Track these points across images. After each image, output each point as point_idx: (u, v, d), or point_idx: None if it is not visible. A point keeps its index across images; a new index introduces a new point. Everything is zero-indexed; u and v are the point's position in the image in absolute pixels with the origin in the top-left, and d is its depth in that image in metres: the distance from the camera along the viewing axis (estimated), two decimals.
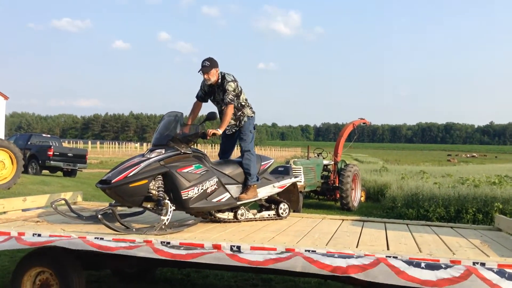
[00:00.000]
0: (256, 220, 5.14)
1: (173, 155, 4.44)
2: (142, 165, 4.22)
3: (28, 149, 19.36)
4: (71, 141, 60.47)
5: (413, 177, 14.54)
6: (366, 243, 3.97)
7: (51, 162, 19.05)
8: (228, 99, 5.06)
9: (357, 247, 3.73)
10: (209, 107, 5.37)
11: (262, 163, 5.20)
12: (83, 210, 5.23)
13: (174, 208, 4.31)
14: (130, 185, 4.14)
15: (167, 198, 4.30)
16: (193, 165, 4.48)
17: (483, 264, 3.09)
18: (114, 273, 5.53)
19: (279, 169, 5.68)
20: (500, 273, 3.02)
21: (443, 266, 3.12)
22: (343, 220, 5.53)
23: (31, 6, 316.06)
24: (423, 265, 3.15)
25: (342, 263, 3.24)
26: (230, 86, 5.12)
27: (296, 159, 12.27)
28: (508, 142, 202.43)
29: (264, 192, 5.13)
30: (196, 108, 5.40)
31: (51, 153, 19.02)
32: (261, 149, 65.81)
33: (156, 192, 4.29)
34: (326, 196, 13.00)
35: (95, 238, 3.77)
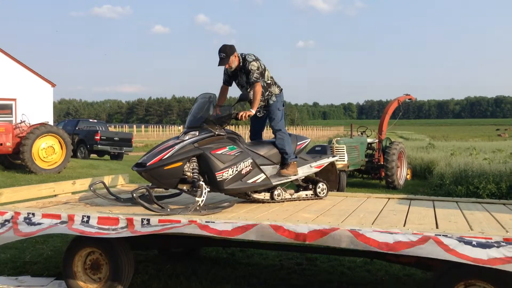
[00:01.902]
0: (293, 200, 5.09)
1: (207, 137, 4.43)
2: (177, 147, 4.24)
3: (76, 134, 20.02)
4: (117, 126, 62.05)
5: (462, 153, 14.07)
6: (414, 221, 3.85)
7: (99, 146, 19.64)
8: (253, 78, 4.96)
9: (404, 225, 3.63)
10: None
11: (298, 143, 5.12)
12: (121, 193, 5.34)
13: (209, 189, 4.32)
14: (165, 168, 4.17)
15: (202, 179, 4.31)
16: (227, 147, 4.46)
17: None
18: (161, 253, 5.65)
19: (316, 148, 5.59)
20: None
21: (496, 244, 2.98)
22: (389, 198, 5.40)
23: None
24: (474, 243, 3.03)
25: (389, 239, 3.17)
26: (253, 66, 5.01)
27: (338, 138, 12.10)
28: None
29: (301, 172, 5.06)
30: (223, 92, 5.33)
31: (98, 137, 19.59)
32: (302, 129, 65.38)
33: (191, 174, 4.31)
34: (371, 175, 12.80)
35: (141, 222, 3.83)
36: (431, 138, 36.94)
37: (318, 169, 5.27)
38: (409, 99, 13.89)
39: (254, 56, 5.11)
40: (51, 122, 21.46)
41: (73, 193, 5.43)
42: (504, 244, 2.99)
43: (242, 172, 4.51)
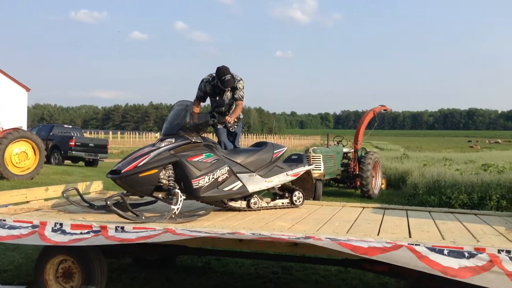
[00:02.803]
0: (270, 209, 5.10)
1: (183, 144, 4.41)
2: (152, 154, 4.22)
3: (50, 139, 19.69)
4: (93, 132, 61.29)
5: (435, 164, 14.33)
6: (387, 230, 3.91)
7: (73, 152, 19.35)
8: (240, 95, 5.48)
9: (378, 234, 3.68)
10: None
11: (275, 151, 5.14)
12: (95, 200, 5.27)
13: (185, 197, 4.30)
14: (140, 175, 4.14)
15: (178, 187, 4.29)
16: (204, 154, 4.45)
17: (508, 252, 3.01)
18: (135, 261, 5.58)
19: (293, 157, 5.63)
20: None
21: (467, 254, 3.05)
22: (363, 207, 5.47)
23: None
24: (446, 252, 3.09)
25: (363, 244, 3.21)
26: (241, 84, 5.50)
27: (315, 147, 12.20)
28: None
29: (277, 180, 5.08)
30: (196, 106, 5.57)
31: (72, 143, 19.31)
32: (280, 138, 65.66)
33: (167, 182, 4.28)
34: (346, 184, 12.92)
35: (115, 229, 3.78)
36: (406, 148, 37.44)
37: (294, 177, 5.29)
38: (384, 110, 14.12)
39: (239, 77, 5.56)
40: (25, 127, 21.05)
41: (45, 199, 5.33)
42: (475, 253, 3.05)
43: (219, 180, 4.51)
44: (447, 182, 10.58)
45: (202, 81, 5.67)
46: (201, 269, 5.55)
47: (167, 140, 4.43)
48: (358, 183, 12.35)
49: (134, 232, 3.71)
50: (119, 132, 63.54)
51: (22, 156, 12.86)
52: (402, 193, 12.65)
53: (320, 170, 11.11)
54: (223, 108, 5.58)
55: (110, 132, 61.87)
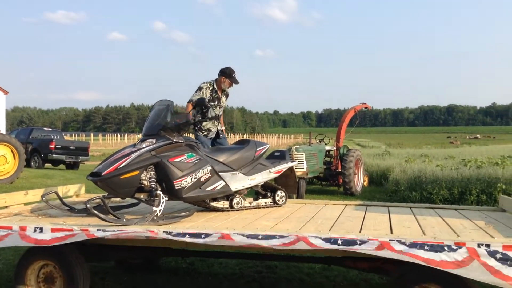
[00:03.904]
0: (253, 208, 5.10)
1: (164, 145, 4.36)
2: (133, 156, 4.16)
3: (30, 143, 19.41)
4: (73, 134, 60.48)
5: (416, 160, 14.51)
6: (369, 227, 3.94)
7: (53, 155, 19.11)
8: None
9: (360, 231, 3.71)
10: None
11: (258, 149, 5.12)
12: (76, 204, 5.21)
13: (167, 198, 4.27)
14: (121, 177, 4.08)
15: (159, 188, 4.25)
16: (186, 154, 4.41)
17: (488, 246, 3.06)
18: (118, 264, 5.54)
19: (275, 153, 5.59)
20: (503, 259, 3.00)
21: (447, 249, 3.09)
22: (346, 205, 5.50)
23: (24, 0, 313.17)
24: (426, 247, 3.13)
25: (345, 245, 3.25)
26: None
27: (298, 146, 12.24)
28: (511, 122, 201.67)
29: (260, 178, 5.08)
30: (190, 109, 5.88)
31: (53, 146, 19.06)
32: (263, 137, 65.74)
33: (148, 183, 4.23)
34: (329, 182, 13.00)
35: (97, 230, 3.75)
36: (387, 145, 37.82)
37: (277, 175, 5.29)
38: (365, 107, 14.23)
39: None
40: (3, 131, 20.71)
41: (25, 204, 5.25)
42: (455, 248, 3.10)
43: (201, 180, 4.48)
44: (428, 178, 10.73)
45: (200, 88, 6.24)
46: (185, 270, 5.53)
47: (148, 140, 4.38)
48: (341, 181, 12.44)
49: (117, 231, 3.68)
50: (100, 134, 62.88)
51: (1, 160, 12.66)
52: (384, 190, 12.79)
53: (303, 168, 11.16)
54: (218, 112, 6.36)
55: (91, 134, 61.21)
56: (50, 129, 23.17)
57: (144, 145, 4.32)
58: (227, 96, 6.50)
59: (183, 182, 4.30)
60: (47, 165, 19.96)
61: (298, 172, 10.78)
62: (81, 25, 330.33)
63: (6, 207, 5.03)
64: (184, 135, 4.75)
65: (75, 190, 6.05)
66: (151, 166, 4.26)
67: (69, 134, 52.45)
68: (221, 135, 6.58)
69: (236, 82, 6.28)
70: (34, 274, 4.07)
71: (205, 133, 6.38)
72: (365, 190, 13.26)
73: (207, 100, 4.65)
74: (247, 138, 6.01)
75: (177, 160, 4.33)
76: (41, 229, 3.83)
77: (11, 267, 5.16)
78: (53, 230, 3.83)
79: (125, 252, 4.62)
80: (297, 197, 10.55)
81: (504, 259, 3.01)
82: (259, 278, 5.24)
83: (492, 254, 3.03)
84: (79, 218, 4.41)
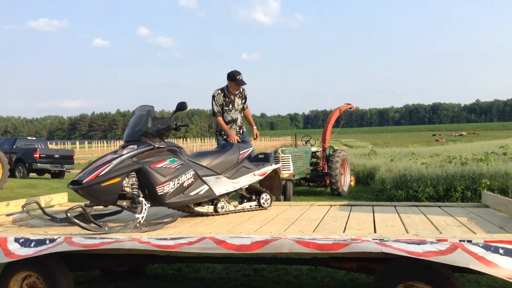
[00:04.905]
0: (238, 212, 5.09)
1: (146, 151, 4.33)
2: (114, 162, 4.13)
3: (14, 153, 19.16)
4: (59, 143, 59.94)
5: (402, 159, 14.60)
6: (353, 227, 3.95)
7: (38, 164, 18.87)
8: (247, 103, 6.64)
9: (344, 231, 3.71)
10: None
11: (241, 152, 5.12)
12: (59, 213, 5.14)
13: (150, 205, 4.23)
14: (102, 184, 4.04)
15: (141, 195, 4.22)
16: (168, 160, 4.39)
17: (469, 241, 3.08)
18: (104, 273, 5.48)
19: (259, 156, 5.60)
20: (486, 247, 3.01)
21: (429, 244, 3.11)
22: (331, 206, 5.51)
23: (5, 8, 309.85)
24: (409, 244, 3.14)
25: (328, 242, 3.24)
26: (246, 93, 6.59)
27: (284, 148, 12.23)
28: (494, 119, 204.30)
29: (245, 181, 5.07)
30: (223, 122, 6.46)
31: (37, 155, 18.83)
32: (251, 140, 65.58)
33: (130, 190, 4.20)
34: (316, 183, 13.01)
35: (79, 238, 3.70)
36: (374, 145, 38.01)
37: (261, 177, 5.29)
38: (350, 108, 14.27)
39: None
40: None
41: (7, 215, 5.17)
42: (437, 243, 3.11)
43: (184, 185, 4.45)
44: (413, 176, 10.78)
45: (213, 97, 6.44)
46: (172, 276, 5.48)
47: (129, 147, 4.35)
48: (328, 181, 12.46)
49: (99, 239, 3.64)
50: (86, 142, 62.34)
51: None
52: (370, 189, 12.84)
53: (290, 170, 11.16)
54: (234, 115, 6.53)
55: (77, 142, 60.72)
56: (34, 138, 22.92)
57: (125, 152, 4.29)
58: (243, 98, 6.57)
59: (166, 188, 4.28)
60: (32, 174, 19.70)
61: (285, 174, 10.79)
62: (64, 33, 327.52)
63: None
64: (167, 139, 4.72)
65: (58, 199, 5.98)
66: (133, 173, 4.23)
67: (54, 143, 51.98)
68: (240, 136, 6.60)
69: (241, 84, 6.30)
70: (17, 286, 4.01)
71: (224, 136, 6.51)
72: (352, 190, 13.29)
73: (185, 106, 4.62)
74: None
75: (159, 165, 4.30)
76: (22, 240, 3.77)
77: None
78: (35, 241, 3.77)
79: (109, 260, 4.57)
80: (285, 199, 10.54)
81: (487, 247, 3.01)
82: (246, 281, 5.21)
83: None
84: (61, 227, 4.36)
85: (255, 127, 6.93)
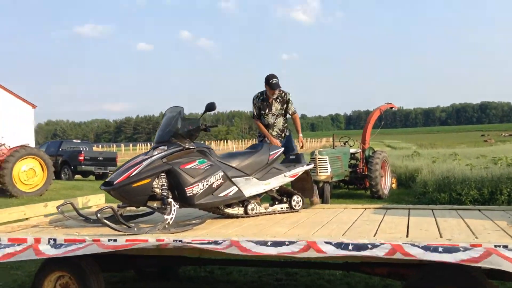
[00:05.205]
0: (268, 214, 5.03)
1: (176, 152, 4.34)
2: (144, 163, 4.16)
3: (60, 155, 19.84)
4: (105, 145, 61.67)
5: (446, 160, 14.11)
6: (385, 231, 3.82)
7: (83, 166, 19.47)
8: (294, 108, 6.47)
9: (375, 235, 3.59)
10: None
11: (271, 153, 5.05)
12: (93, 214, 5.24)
13: (178, 206, 4.24)
14: (133, 185, 4.07)
15: (170, 196, 4.23)
16: (197, 161, 4.38)
17: (505, 247, 2.91)
18: (137, 273, 5.54)
19: (291, 157, 5.51)
20: None
21: (462, 249, 2.95)
22: (365, 208, 5.37)
23: (52, 14, 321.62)
24: (440, 249, 3.00)
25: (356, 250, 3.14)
26: (291, 97, 6.40)
27: (321, 149, 12.07)
28: None
29: (275, 182, 5.00)
30: (261, 125, 6.45)
31: (82, 158, 19.43)
32: (297, 146, 65.37)
33: (160, 191, 4.23)
34: (356, 185, 12.76)
35: (108, 240, 3.75)
36: (419, 146, 37.04)
37: (292, 179, 5.21)
38: (391, 107, 13.96)
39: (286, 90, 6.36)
40: (32, 144, 21.26)
41: (45, 216, 5.32)
42: (470, 248, 2.96)
43: (213, 186, 4.44)
44: (456, 179, 10.37)
45: (252, 100, 6.50)
46: (204, 278, 5.49)
47: (159, 148, 4.38)
48: (368, 184, 12.19)
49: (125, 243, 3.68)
50: (131, 144, 63.89)
51: (30, 173, 12.94)
52: (412, 192, 12.47)
53: (327, 172, 10.97)
54: (270, 120, 6.42)
55: (122, 145, 62.25)
56: (79, 141, 23.70)
57: (155, 153, 4.32)
58: (284, 102, 6.38)
59: (195, 189, 4.27)
60: (77, 176, 20.35)
61: (322, 176, 10.63)
62: (109, 38, 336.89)
63: (26, 219, 5.11)
64: (197, 141, 4.72)
65: (95, 201, 6.11)
66: (163, 174, 4.25)
67: (100, 146, 53.57)
68: (282, 141, 6.48)
69: (274, 87, 6.15)
70: (51, 286, 4.10)
71: (265, 139, 6.45)
72: (393, 192, 12.95)
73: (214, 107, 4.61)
74: None
75: (188, 166, 4.30)
76: (54, 240, 3.87)
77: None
78: (66, 240, 3.86)
79: (141, 261, 4.62)
80: (322, 202, 10.38)
81: None
82: (278, 286, 5.15)
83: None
84: (94, 228, 4.43)
85: (300, 135, 6.64)
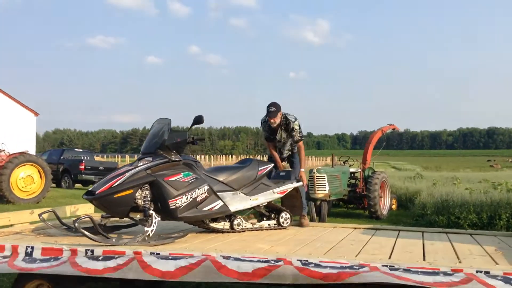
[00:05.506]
0: (255, 230, 4.95)
1: (161, 163, 4.28)
2: (128, 174, 4.10)
3: (61, 163, 19.88)
4: (110, 156, 61.75)
5: (446, 183, 13.97)
6: (368, 251, 3.73)
7: (83, 176, 19.49)
8: (298, 137, 5.91)
9: (356, 256, 3.50)
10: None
11: (260, 168, 4.99)
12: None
13: (160, 218, 4.17)
14: (115, 196, 4.02)
15: (152, 208, 4.17)
16: (182, 173, 4.32)
17: (487, 273, 2.82)
18: (122, 285, 5.44)
19: (281, 173, 5.44)
20: (506, 279, 2.74)
21: (442, 274, 2.86)
22: (355, 228, 5.27)
23: (65, 25, 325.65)
24: (420, 273, 2.91)
25: (333, 270, 3.04)
26: (296, 125, 5.86)
27: (319, 167, 11.96)
28: None
29: (263, 198, 4.92)
30: (270, 145, 6.10)
31: (82, 167, 19.46)
32: None
33: (142, 202, 4.16)
34: (355, 205, 12.65)
35: (85, 252, 3.68)
36: (424, 168, 36.86)
37: (281, 195, 5.14)
38: (393, 129, 13.90)
39: (294, 116, 5.90)
40: (33, 152, 21.32)
41: (30, 223, 5.26)
42: (451, 273, 2.87)
43: (197, 199, 4.37)
44: (455, 202, 10.24)
45: (261, 122, 6.15)
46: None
47: (145, 159, 4.33)
48: (366, 204, 12.07)
49: (101, 261, 3.58)
50: (135, 156, 63.79)
51: (28, 180, 12.94)
52: (410, 214, 12.33)
53: (325, 190, 10.88)
54: (278, 146, 6.09)
55: (127, 156, 62.19)
56: (81, 150, 23.75)
57: (140, 164, 4.27)
58: (288, 130, 5.89)
59: (178, 202, 4.21)
60: (77, 185, 20.35)
61: (320, 194, 10.55)
62: (119, 50, 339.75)
63: (11, 225, 5.06)
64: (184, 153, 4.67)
65: (84, 210, 6.05)
66: (146, 185, 4.19)
67: (105, 156, 53.66)
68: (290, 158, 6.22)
69: (270, 116, 5.72)
70: None
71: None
72: (392, 213, 12.81)
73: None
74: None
75: (173, 179, 4.24)
76: (32, 248, 3.81)
77: None
78: (43, 249, 3.79)
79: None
80: (319, 220, 10.28)
81: (506, 280, 2.75)
82: None
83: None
84: (74, 237, 4.36)
85: (302, 169, 5.96)
